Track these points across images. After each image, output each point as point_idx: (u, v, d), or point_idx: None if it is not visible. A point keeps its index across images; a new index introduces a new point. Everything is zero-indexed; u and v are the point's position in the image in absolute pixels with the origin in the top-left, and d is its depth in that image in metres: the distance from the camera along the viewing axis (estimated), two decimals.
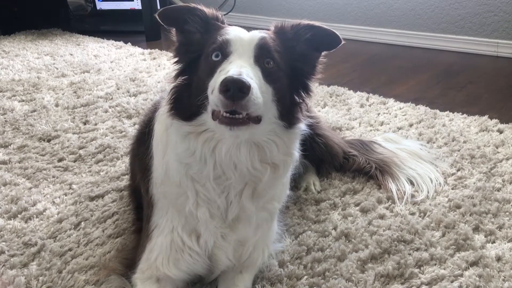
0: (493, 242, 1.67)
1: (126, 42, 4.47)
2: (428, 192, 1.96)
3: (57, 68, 3.73)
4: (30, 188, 2.04)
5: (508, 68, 3.61)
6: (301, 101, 1.32)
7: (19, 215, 1.85)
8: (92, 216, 1.84)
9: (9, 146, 2.42)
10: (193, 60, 1.28)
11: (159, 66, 3.79)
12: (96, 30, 4.96)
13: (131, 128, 2.62)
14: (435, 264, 1.57)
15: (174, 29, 1.32)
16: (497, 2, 3.80)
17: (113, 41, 4.53)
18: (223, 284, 1.47)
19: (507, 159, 2.19)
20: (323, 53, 1.35)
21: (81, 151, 2.36)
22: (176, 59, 1.32)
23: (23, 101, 3.05)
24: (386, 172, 2.06)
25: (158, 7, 4.59)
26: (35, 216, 1.84)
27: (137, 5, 5.23)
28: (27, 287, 1.49)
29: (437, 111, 2.75)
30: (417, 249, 1.64)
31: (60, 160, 2.29)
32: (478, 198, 1.90)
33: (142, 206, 1.58)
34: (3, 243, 1.68)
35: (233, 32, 1.24)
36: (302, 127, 1.34)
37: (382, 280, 1.51)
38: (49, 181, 2.10)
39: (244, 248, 1.43)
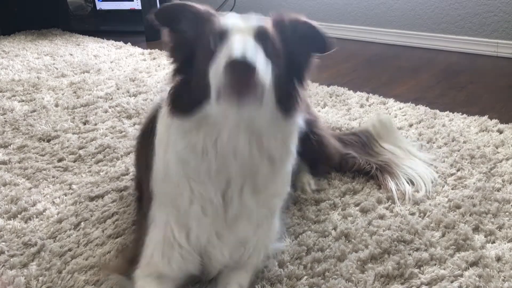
0: (493, 242, 1.67)
1: (126, 42, 4.46)
2: (425, 185, 1.99)
3: (57, 68, 3.73)
4: (30, 188, 2.04)
5: (508, 68, 3.61)
6: (297, 90, 1.31)
7: (19, 215, 1.85)
8: (92, 216, 1.84)
9: (9, 146, 2.42)
10: (189, 57, 1.27)
11: (159, 66, 3.79)
12: (96, 30, 4.95)
13: (131, 128, 2.62)
14: (435, 264, 1.57)
15: (168, 29, 1.30)
16: (497, 2, 3.80)
17: (113, 41, 4.53)
18: (220, 283, 1.47)
19: (507, 159, 2.19)
20: (315, 55, 1.34)
21: (81, 151, 2.36)
22: (172, 59, 1.32)
23: (23, 101, 3.05)
24: (387, 171, 2.06)
25: (158, 7, 4.58)
26: (35, 216, 1.84)
27: (137, 5, 5.22)
28: (27, 287, 1.49)
29: (437, 111, 2.75)
30: (417, 249, 1.64)
31: (60, 160, 2.29)
32: (478, 198, 1.90)
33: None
34: (3, 243, 1.68)
35: (231, 19, 1.25)
36: (300, 122, 1.33)
37: (382, 280, 1.51)
38: (49, 181, 2.10)
39: (245, 249, 1.43)
